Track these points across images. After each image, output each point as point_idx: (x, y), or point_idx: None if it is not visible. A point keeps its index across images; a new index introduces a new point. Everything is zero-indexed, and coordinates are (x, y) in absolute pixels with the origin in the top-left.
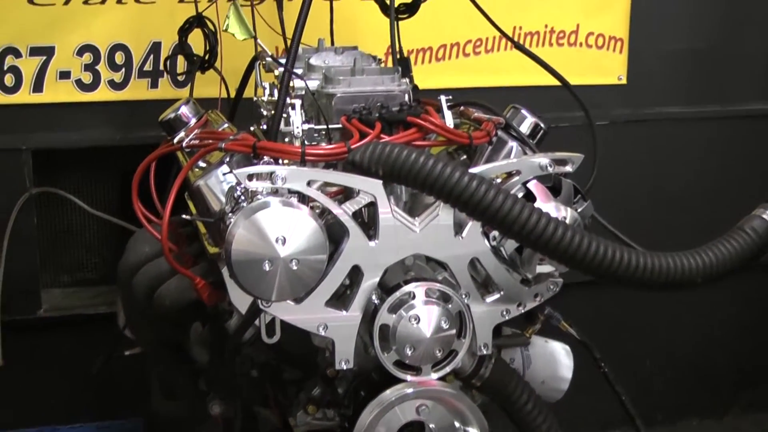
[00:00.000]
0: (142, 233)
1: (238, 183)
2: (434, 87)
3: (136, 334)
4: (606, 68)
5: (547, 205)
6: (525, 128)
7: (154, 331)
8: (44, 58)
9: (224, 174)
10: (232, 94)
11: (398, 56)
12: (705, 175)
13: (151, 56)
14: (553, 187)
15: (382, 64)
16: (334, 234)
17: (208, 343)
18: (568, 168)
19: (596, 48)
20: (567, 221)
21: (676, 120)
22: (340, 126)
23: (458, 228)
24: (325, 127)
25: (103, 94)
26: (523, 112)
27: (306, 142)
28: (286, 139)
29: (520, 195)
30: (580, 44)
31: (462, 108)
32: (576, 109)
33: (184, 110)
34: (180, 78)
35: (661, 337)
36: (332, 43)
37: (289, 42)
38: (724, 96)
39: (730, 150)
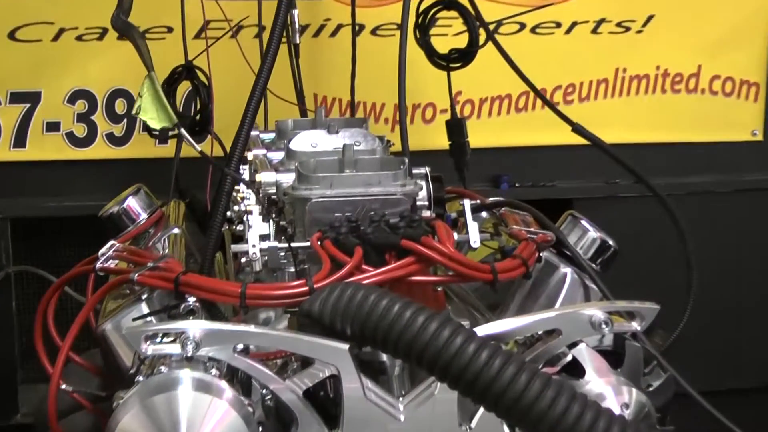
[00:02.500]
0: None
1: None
2: (513, 144)
3: None
4: (736, 121)
5: (600, 384)
6: (585, 248)
7: None
8: (28, 105)
9: (135, 319)
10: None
11: (453, 114)
12: None
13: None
14: (613, 353)
15: (390, 147)
16: (282, 418)
17: None
18: (635, 326)
19: (723, 95)
20: (629, 413)
21: None
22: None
23: (466, 415)
24: (287, 246)
25: (99, 150)
26: (584, 224)
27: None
28: (243, 260)
29: (558, 367)
30: (703, 90)
31: (503, 211)
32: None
33: (132, 203)
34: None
35: None
36: (352, 106)
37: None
38: None
39: None
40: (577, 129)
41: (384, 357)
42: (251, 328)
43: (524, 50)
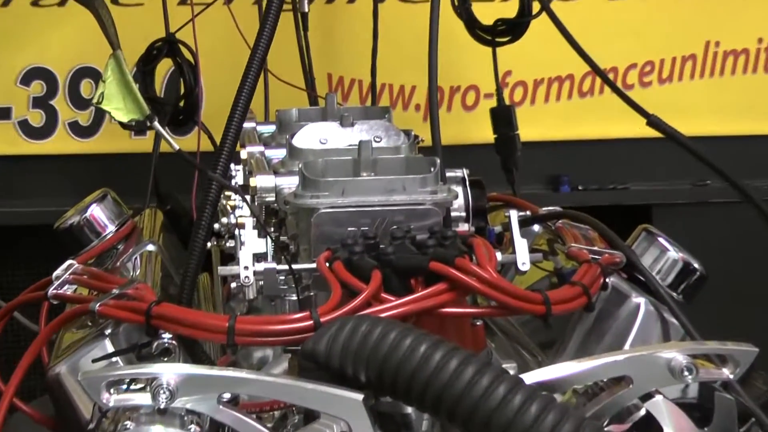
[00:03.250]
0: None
1: None
2: (575, 137)
3: None
4: None
5: None
6: (664, 272)
7: None
8: None
9: (96, 360)
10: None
11: (500, 100)
12: None
13: (137, 86)
14: (700, 406)
15: (419, 144)
16: None
17: None
18: (727, 373)
19: None
20: None
21: None
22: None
23: None
24: (288, 268)
25: (60, 143)
26: (662, 241)
27: (257, 299)
28: (233, 285)
29: (628, 425)
30: None
31: (559, 225)
32: None
33: (97, 213)
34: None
35: None
36: (374, 89)
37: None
38: None
39: None
40: (654, 121)
41: (408, 408)
42: (241, 373)
43: (589, 20)
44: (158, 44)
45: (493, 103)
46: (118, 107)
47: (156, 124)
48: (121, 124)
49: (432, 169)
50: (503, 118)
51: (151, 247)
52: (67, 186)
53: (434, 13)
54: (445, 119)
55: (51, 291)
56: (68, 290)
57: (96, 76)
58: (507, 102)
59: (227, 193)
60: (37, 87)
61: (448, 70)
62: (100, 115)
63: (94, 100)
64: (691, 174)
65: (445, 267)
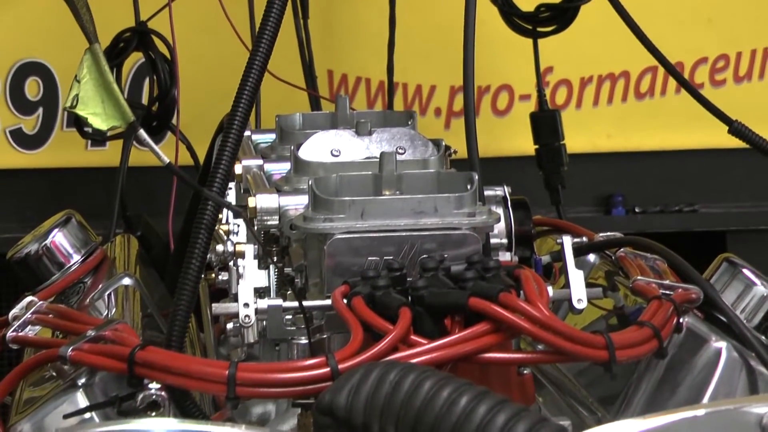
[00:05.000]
0: None
1: None
2: (632, 148)
3: None
4: None
5: None
6: (750, 310)
7: None
8: None
9: (67, 416)
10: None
11: (543, 104)
12: None
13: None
14: None
15: (451, 156)
16: None
17: None
18: None
19: None
20: None
21: None
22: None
23: None
24: (297, 306)
25: (1, 155)
26: (748, 274)
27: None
28: (229, 327)
29: None
30: None
31: (620, 254)
32: None
33: (59, 240)
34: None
35: None
36: (390, 89)
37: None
38: None
39: None
40: (738, 129)
41: None
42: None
43: (647, 5)
44: (126, 35)
45: (530, 106)
46: (96, 112)
47: (142, 132)
48: (81, 130)
49: (469, 187)
50: (547, 125)
51: (127, 281)
52: (9, 208)
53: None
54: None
55: (9, 334)
56: (29, 333)
57: (44, 73)
58: (549, 105)
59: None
60: None
61: (476, 66)
62: (50, 121)
63: (67, 104)
64: None
65: (487, 304)
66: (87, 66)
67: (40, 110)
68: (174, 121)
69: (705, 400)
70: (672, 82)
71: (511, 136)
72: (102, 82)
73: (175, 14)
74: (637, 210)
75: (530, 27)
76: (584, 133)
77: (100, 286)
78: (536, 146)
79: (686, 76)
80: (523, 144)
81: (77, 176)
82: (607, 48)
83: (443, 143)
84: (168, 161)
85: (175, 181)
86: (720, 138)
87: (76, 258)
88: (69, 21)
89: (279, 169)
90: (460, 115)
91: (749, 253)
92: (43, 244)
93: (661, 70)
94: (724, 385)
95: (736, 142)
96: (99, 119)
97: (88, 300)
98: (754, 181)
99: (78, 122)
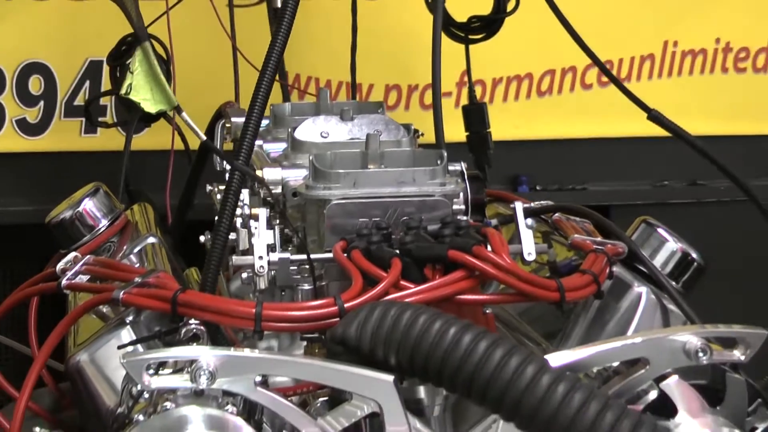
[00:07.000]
0: None
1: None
2: (534, 136)
3: None
4: None
5: (696, 426)
6: (663, 261)
7: None
8: None
9: (121, 347)
10: (194, 145)
11: (473, 98)
12: None
13: (87, 83)
14: (711, 387)
15: (419, 137)
16: None
17: None
18: (738, 354)
19: None
20: None
21: None
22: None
23: None
24: (306, 258)
25: (8, 141)
26: (661, 231)
27: (273, 286)
28: (244, 275)
29: (646, 403)
30: None
31: (556, 217)
32: None
33: (89, 207)
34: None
35: None
36: (353, 86)
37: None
38: None
39: None
40: (655, 116)
41: (422, 394)
42: (278, 355)
43: (547, 20)
44: (129, 39)
45: (451, 102)
46: (146, 98)
47: (184, 115)
48: (92, 122)
49: (439, 162)
50: (476, 115)
51: (152, 240)
52: (14, 186)
53: (437, 13)
54: (405, 117)
55: (65, 282)
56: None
57: (45, 72)
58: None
59: (221, 187)
60: None
61: (405, 68)
62: (50, 111)
63: (122, 91)
64: (651, 175)
65: (463, 255)
66: (138, 60)
67: (42, 103)
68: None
69: (629, 333)
70: (567, 83)
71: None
72: (151, 73)
73: (171, 21)
74: (538, 188)
75: (463, 35)
76: (495, 124)
77: (126, 245)
78: (467, 133)
79: (578, 78)
80: (448, 132)
81: (73, 159)
82: (515, 54)
83: (412, 127)
84: (205, 138)
85: (172, 161)
86: (606, 129)
87: (104, 222)
88: (66, 27)
89: (275, 148)
90: (394, 108)
91: (628, 223)
92: (77, 210)
93: (559, 73)
94: (645, 321)
95: (619, 133)
96: (149, 103)
97: (119, 256)
98: (633, 165)
99: (88, 114)
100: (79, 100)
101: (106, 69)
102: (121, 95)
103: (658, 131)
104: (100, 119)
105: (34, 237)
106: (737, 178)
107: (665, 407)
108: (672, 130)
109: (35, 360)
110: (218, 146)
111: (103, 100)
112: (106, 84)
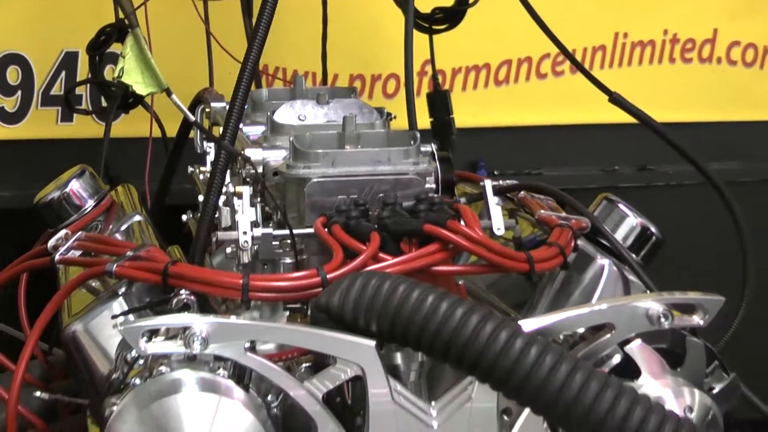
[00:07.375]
0: None
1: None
2: (491, 124)
3: None
4: (760, 96)
5: (657, 386)
6: (623, 235)
7: None
8: None
9: (115, 317)
10: (171, 133)
11: (436, 86)
12: None
13: (63, 73)
14: (672, 351)
15: (391, 120)
16: (297, 425)
17: None
18: (697, 319)
19: (744, 65)
20: (693, 417)
21: None
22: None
23: (508, 417)
24: (288, 233)
25: None
26: (622, 208)
27: (255, 260)
28: (228, 250)
29: (611, 366)
30: (719, 60)
31: (522, 196)
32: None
33: (76, 188)
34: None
35: None
36: (324, 74)
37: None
38: None
39: None
40: (616, 99)
41: (399, 360)
42: (266, 322)
43: (504, 11)
44: (108, 29)
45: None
46: (138, 81)
47: (174, 97)
48: (71, 109)
49: (412, 143)
50: (440, 102)
51: (138, 218)
52: None
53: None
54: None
55: (58, 257)
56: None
57: (22, 63)
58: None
59: (202, 168)
60: None
61: (368, 58)
62: (28, 100)
63: (116, 75)
64: (602, 160)
65: (438, 229)
66: (130, 45)
67: (19, 93)
68: (147, 99)
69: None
70: (523, 73)
71: (401, 115)
72: (142, 57)
73: (149, 12)
74: (495, 173)
75: (427, 25)
76: (455, 112)
77: (112, 224)
78: (431, 119)
79: (534, 68)
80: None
81: (49, 146)
82: (473, 45)
83: (385, 110)
84: (194, 119)
85: (150, 148)
86: (560, 116)
87: (90, 202)
88: (43, 20)
89: (254, 131)
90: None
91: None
92: (64, 191)
93: (515, 63)
94: (607, 291)
95: (572, 120)
96: (140, 85)
97: (107, 233)
98: (585, 151)
99: (68, 102)
100: (56, 90)
101: (81, 60)
102: (115, 78)
103: (609, 119)
104: (77, 107)
105: (12, 222)
106: (695, 160)
107: (629, 369)
108: (633, 112)
109: (32, 331)
110: (198, 139)
111: (78, 89)
112: (81, 74)
